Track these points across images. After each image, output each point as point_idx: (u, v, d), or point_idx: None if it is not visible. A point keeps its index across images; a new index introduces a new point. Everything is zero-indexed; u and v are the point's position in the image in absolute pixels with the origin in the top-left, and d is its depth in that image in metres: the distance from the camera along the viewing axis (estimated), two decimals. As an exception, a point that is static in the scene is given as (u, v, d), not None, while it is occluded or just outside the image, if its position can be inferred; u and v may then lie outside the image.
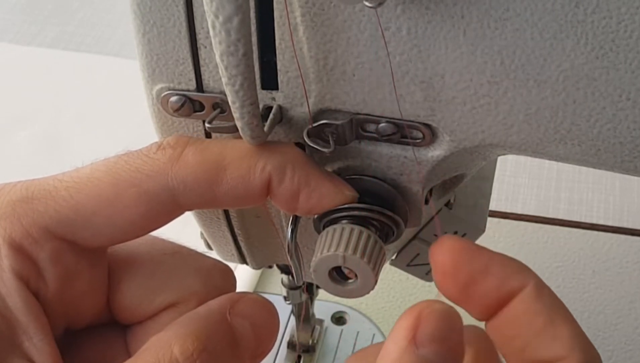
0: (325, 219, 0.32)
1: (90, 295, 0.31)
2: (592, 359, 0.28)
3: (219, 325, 0.30)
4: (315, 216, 0.32)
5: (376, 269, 0.31)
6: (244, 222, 0.38)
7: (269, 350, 0.32)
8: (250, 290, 0.59)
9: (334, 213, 0.31)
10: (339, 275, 0.31)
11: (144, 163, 0.30)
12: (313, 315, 0.53)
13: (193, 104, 0.31)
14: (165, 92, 0.31)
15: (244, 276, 0.60)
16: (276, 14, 0.28)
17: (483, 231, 0.38)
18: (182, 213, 0.31)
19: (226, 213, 0.37)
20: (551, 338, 0.28)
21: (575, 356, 0.27)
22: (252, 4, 0.28)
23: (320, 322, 0.56)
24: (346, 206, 0.31)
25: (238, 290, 0.59)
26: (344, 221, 0.31)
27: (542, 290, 0.28)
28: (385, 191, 0.32)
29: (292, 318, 0.53)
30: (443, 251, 0.29)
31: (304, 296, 0.48)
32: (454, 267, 0.29)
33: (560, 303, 0.28)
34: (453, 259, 0.29)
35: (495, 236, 0.62)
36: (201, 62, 0.30)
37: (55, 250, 0.29)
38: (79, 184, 0.29)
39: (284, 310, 0.57)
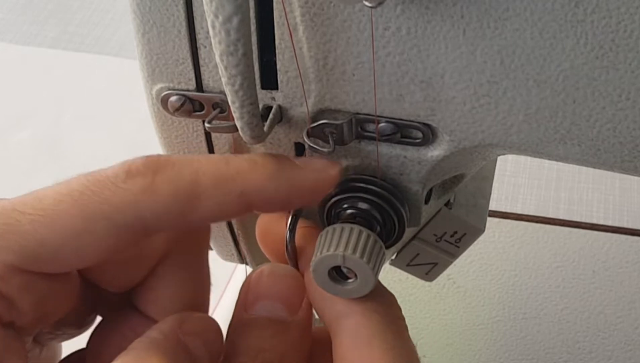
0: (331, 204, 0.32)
1: (65, 304, 0.31)
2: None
3: (177, 347, 0.30)
4: (319, 203, 0.33)
5: (376, 269, 0.31)
6: (244, 222, 0.38)
7: None
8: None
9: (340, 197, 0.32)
10: (338, 275, 0.31)
11: (113, 194, 0.29)
12: (312, 315, 0.52)
13: (193, 104, 0.31)
14: (165, 92, 0.31)
15: (243, 276, 0.60)
16: (276, 13, 0.28)
17: (483, 231, 0.38)
18: (149, 237, 0.31)
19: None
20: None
21: None
22: (251, 3, 0.28)
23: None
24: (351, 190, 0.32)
25: (236, 290, 0.59)
26: (348, 209, 0.32)
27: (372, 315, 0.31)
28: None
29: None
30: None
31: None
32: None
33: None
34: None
35: (495, 236, 0.62)
36: (201, 62, 0.30)
37: (23, 282, 0.28)
38: (44, 218, 0.28)
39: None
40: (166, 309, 0.32)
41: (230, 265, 0.60)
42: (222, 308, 0.58)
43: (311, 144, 0.30)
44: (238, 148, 0.33)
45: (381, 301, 0.32)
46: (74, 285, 0.31)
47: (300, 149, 0.32)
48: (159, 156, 0.30)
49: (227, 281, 0.60)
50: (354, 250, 0.30)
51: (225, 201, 0.29)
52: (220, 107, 0.31)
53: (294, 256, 0.33)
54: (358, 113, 0.30)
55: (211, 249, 0.42)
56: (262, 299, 0.32)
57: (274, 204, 0.30)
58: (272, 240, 0.35)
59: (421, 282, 0.42)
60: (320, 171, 0.31)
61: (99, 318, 0.35)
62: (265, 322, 0.32)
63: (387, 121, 0.30)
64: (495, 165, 0.41)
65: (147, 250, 0.32)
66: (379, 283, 0.32)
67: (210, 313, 0.57)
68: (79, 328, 0.33)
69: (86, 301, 0.32)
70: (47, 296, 0.29)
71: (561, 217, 0.66)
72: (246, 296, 0.32)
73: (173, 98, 0.31)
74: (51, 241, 0.28)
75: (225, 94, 0.27)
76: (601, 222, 0.65)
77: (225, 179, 0.30)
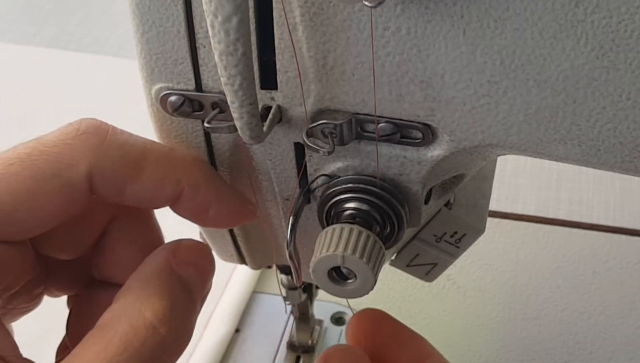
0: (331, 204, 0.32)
1: (21, 274, 0.31)
2: None
3: (173, 278, 0.31)
4: (319, 201, 0.33)
5: (375, 269, 0.31)
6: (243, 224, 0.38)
7: (210, 289, 0.33)
8: (249, 290, 0.59)
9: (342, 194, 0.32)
10: (338, 275, 0.31)
11: (62, 151, 0.29)
12: (312, 315, 0.53)
13: (192, 104, 0.31)
14: (164, 92, 0.31)
15: (243, 276, 0.60)
16: (275, 13, 0.28)
17: (483, 231, 0.38)
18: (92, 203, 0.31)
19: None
20: None
21: None
22: (251, 3, 0.27)
23: (320, 322, 0.56)
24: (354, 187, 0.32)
25: (236, 290, 0.59)
26: (348, 209, 0.32)
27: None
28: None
29: (292, 319, 0.53)
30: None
31: (303, 296, 0.48)
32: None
33: None
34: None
35: (495, 236, 0.62)
36: (200, 62, 0.30)
37: None
38: None
39: (284, 310, 0.57)
40: (126, 269, 0.32)
41: (230, 265, 0.60)
42: (221, 308, 0.58)
43: (311, 144, 0.30)
44: (238, 148, 0.33)
45: None
46: (28, 255, 0.31)
47: (300, 149, 0.32)
48: (110, 124, 0.31)
49: (227, 280, 0.60)
50: (354, 251, 0.30)
51: (162, 182, 0.31)
52: (220, 107, 0.31)
53: (295, 256, 0.33)
54: (358, 113, 0.30)
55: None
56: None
57: (198, 204, 0.32)
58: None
59: (421, 282, 0.42)
60: (243, 199, 0.34)
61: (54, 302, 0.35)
62: None
63: (386, 121, 0.30)
64: (495, 165, 0.41)
65: (94, 213, 0.32)
66: None
67: (209, 313, 0.57)
68: (29, 302, 0.33)
69: (38, 273, 0.32)
70: (4, 265, 0.29)
71: (561, 217, 0.66)
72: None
73: (172, 98, 0.31)
74: (4, 203, 0.28)
75: (224, 94, 0.27)
76: (601, 222, 0.65)
77: (168, 162, 0.31)
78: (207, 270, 0.33)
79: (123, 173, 0.30)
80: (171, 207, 0.33)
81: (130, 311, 0.29)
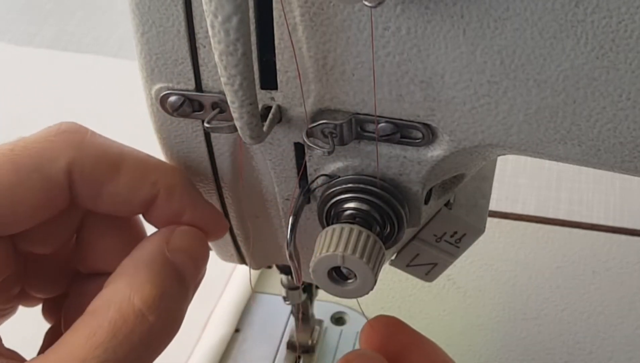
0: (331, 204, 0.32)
1: (0, 270, 0.31)
2: None
3: (165, 265, 0.31)
4: (319, 201, 0.33)
5: (375, 269, 0.31)
6: (243, 223, 0.38)
7: (204, 276, 0.33)
8: (249, 290, 0.59)
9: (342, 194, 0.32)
10: (338, 275, 0.31)
11: (43, 147, 0.30)
12: (312, 315, 0.53)
13: (192, 104, 0.31)
14: (164, 92, 0.31)
15: (243, 276, 0.60)
16: (275, 13, 0.28)
17: (483, 231, 0.38)
18: (71, 202, 0.31)
19: (225, 213, 0.37)
20: None
21: None
22: (251, 3, 0.27)
23: (320, 322, 0.56)
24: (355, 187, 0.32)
25: (235, 290, 0.59)
26: (348, 209, 0.32)
27: None
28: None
29: (292, 319, 0.53)
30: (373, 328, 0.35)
31: (303, 296, 0.48)
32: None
33: None
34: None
35: (495, 236, 0.62)
36: (200, 62, 0.30)
37: None
38: None
39: (284, 311, 0.57)
40: (110, 259, 0.32)
41: (229, 265, 0.60)
42: (221, 308, 0.58)
43: (311, 144, 0.30)
44: (238, 148, 0.33)
45: None
46: (6, 248, 0.31)
47: (300, 149, 0.32)
48: (89, 128, 0.32)
49: (226, 280, 0.60)
50: (354, 250, 0.30)
51: (139, 183, 0.31)
52: (220, 107, 0.31)
53: (295, 256, 0.33)
54: (358, 113, 0.30)
55: (210, 249, 0.42)
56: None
57: (173, 209, 0.32)
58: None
59: (421, 282, 0.42)
60: (218, 211, 0.34)
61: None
62: None
63: (387, 121, 0.30)
64: (495, 165, 0.41)
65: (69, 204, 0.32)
66: None
67: (208, 313, 0.57)
68: (6, 304, 0.33)
69: (15, 270, 0.32)
70: None
71: (561, 217, 0.66)
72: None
73: (172, 98, 0.31)
74: None
75: (224, 94, 0.27)
76: (601, 222, 0.65)
77: (145, 165, 0.32)
78: (201, 257, 0.33)
79: (101, 171, 0.31)
80: (145, 215, 0.33)
81: (119, 298, 0.29)
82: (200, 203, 0.33)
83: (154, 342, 0.29)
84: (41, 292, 0.35)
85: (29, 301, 0.35)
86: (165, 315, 0.29)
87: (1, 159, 0.29)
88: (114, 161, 0.31)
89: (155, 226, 0.33)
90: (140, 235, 0.35)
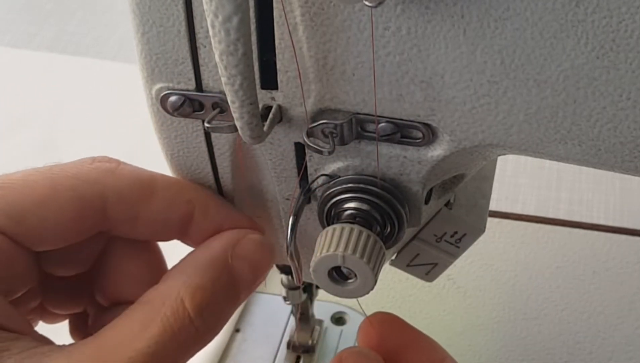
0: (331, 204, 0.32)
1: (25, 280, 0.32)
2: None
3: (223, 272, 0.32)
4: (320, 201, 0.33)
5: (376, 269, 0.31)
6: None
7: (259, 285, 0.34)
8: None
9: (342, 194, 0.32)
10: (338, 275, 0.31)
11: (80, 171, 0.31)
12: (313, 315, 0.52)
13: (192, 104, 0.31)
14: (165, 92, 0.31)
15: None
16: (276, 13, 0.28)
17: (483, 231, 0.38)
18: (103, 228, 0.32)
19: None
20: None
21: None
22: (251, 3, 0.27)
23: (320, 322, 0.56)
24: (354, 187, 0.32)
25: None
26: (348, 209, 0.32)
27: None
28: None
29: (292, 319, 0.53)
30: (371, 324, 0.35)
31: (303, 296, 0.48)
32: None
33: None
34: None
35: (495, 236, 0.62)
36: (200, 61, 0.30)
37: None
38: (14, 184, 0.30)
39: (284, 310, 0.57)
40: (131, 288, 0.33)
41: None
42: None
43: (311, 144, 0.30)
44: (238, 148, 0.33)
45: None
46: (33, 260, 0.32)
47: (300, 149, 0.32)
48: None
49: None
50: (354, 250, 0.30)
51: (174, 203, 0.32)
52: (220, 107, 0.31)
53: (296, 257, 0.33)
54: (358, 113, 0.30)
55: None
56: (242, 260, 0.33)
57: (210, 224, 0.33)
58: None
59: (421, 282, 0.42)
60: (251, 219, 0.35)
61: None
62: None
63: (387, 121, 0.30)
64: (495, 165, 0.41)
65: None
66: None
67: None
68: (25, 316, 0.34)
69: (37, 284, 0.33)
70: (13, 262, 0.30)
71: (561, 217, 0.66)
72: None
73: (173, 98, 0.31)
74: (18, 204, 0.29)
75: (225, 94, 0.27)
76: (601, 222, 0.65)
77: (177, 185, 0.33)
78: (261, 268, 0.33)
79: (137, 194, 0.32)
80: (183, 237, 0.34)
81: (174, 296, 0.30)
82: (235, 215, 0.34)
83: (196, 343, 0.30)
84: (58, 308, 0.36)
85: (48, 317, 0.36)
86: (211, 321, 0.30)
87: (39, 175, 0.30)
88: (148, 184, 0.32)
89: (195, 246, 0.34)
90: (161, 264, 0.35)
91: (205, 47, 0.30)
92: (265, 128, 0.29)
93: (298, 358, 0.54)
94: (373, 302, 0.58)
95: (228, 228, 0.33)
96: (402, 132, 0.30)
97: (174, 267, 0.32)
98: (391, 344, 0.35)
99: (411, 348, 0.35)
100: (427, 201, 0.34)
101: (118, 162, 0.32)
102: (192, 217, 0.33)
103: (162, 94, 0.31)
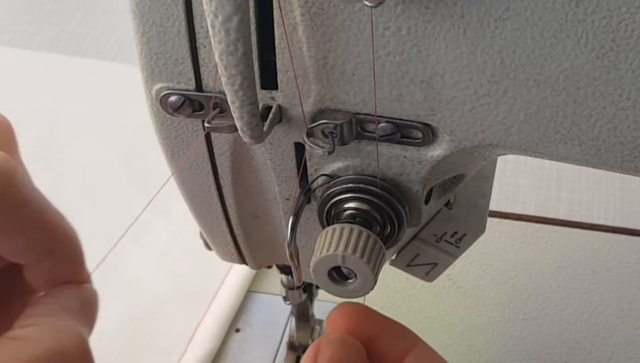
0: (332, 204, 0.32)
1: None
2: None
3: None
4: (320, 201, 0.33)
5: (376, 269, 0.31)
6: (243, 222, 0.38)
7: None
8: (244, 290, 0.59)
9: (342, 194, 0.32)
10: (338, 275, 0.31)
11: None
12: (312, 315, 0.52)
13: (192, 104, 0.31)
14: (165, 92, 0.31)
15: (239, 275, 0.60)
16: (275, 13, 0.28)
17: (483, 231, 0.38)
18: None
19: (225, 213, 0.37)
20: None
21: None
22: (251, 3, 0.27)
23: (320, 322, 0.56)
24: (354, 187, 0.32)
25: (232, 290, 0.59)
26: (348, 209, 0.32)
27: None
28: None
29: (292, 319, 0.53)
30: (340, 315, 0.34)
31: (303, 296, 0.48)
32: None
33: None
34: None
35: (495, 236, 0.62)
36: (200, 61, 0.30)
37: None
38: None
39: (284, 310, 0.57)
40: None
41: (227, 265, 0.60)
42: (217, 305, 0.58)
43: (311, 144, 0.30)
44: (238, 148, 0.33)
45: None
46: None
47: (300, 149, 0.32)
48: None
49: (222, 280, 0.60)
50: (354, 250, 0.30)
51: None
52: (220, 107, 0.31)
53: (296, 257, 0.33)
54: (358, 113, 0.30)
55: (210, 249, 0.42)
56: None
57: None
58: None
59: (421, 282, 0.42)
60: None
61: None
62: None
63: (387, 121, 0.30)
64: (495, 165, 0.41)
65: None
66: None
67: (203, 312, 0.57)
68: None
69: None
70: None
71: (561, 217, 0.66)
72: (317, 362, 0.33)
73: (173, 98, 0.31)
74: None
75: (225, 94, 0.27)
76: (601, 222, 0.65)
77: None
78: None
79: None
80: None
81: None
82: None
83: None
84: None
85: None
86: None
87: None
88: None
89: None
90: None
91: (205, 47, 0.30)
92: (265, 128, 0.29)
93: (298, 358, 0.54)
94: (373, 302, 0.58)
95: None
96: (402, 132, 0.30)
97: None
98: (361, 334, 0.35)
99: (382, 336, 0.34)
100: (427, 201, 0.34)
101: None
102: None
103: (162, 94, 0.31)
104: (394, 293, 0.60)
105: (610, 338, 0.56)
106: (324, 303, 0.56)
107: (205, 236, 0.40)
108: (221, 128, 0.30)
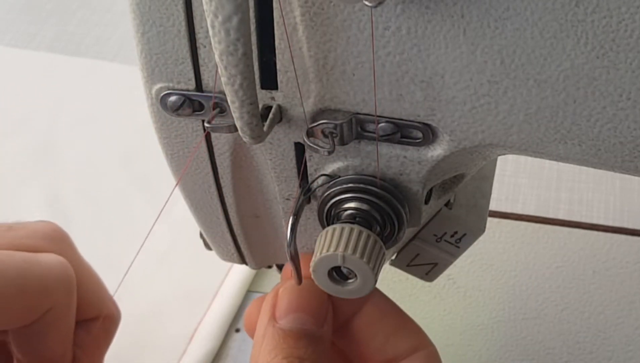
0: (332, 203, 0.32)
1: None
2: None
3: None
4: (320, 201, 0.33)
5: (376, 269, 0.31)
6: (244, 222, 0.38)
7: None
8: (244, 290, 0.59)
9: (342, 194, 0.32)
10: (338, 275, 0.31)
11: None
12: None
13: (192, 104, 0.31)
14: (165, 92, 0.31)
15: (239, 275, 0.60)
16: (275, 13, 0.28)
17: (483, 231, 0.38)
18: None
19: (225, 213, 0.37)
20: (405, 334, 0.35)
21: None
22: (251, 3, 0.27)
23: (320, 322, 0.56)
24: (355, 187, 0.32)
25: (232, 290, 0.59)
26: (348, 209, 0.32)
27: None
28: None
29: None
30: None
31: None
32: None
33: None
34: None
35: (495, 236, 0.62)
36: (200, 61, 0.30)
37: None
38: None
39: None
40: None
41: (226, 265, 0.60)
42: (218, 304, 0.58)
43: (311, 144, 0.30)
44: (238, 148, 0.33)
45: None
46: None
47: (300, 149, 0.32)
48: None
49: (222, 280, 0.60)
50: (354, 250, 0.30)
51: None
52: (220, 107, 0.31)
53: (296, 257, 0.33)
54: (358, 113, 0.30)
55: (210, 249, 0.42)
56: (292, 312, 0.34)
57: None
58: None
59: (421, 282, 0.42)
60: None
61: None
62: (300, 333, 0.33)
63: (387, 121, 0.30)
64: (495, 165, 0.41)
65: None
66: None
67: (207, 306, 0.57)
68: None
69: None
70: None
71: (561, 217, 0.66)
72: (275, 309, 0.34)
73: (173, 98, 0.31)
74: None
75: (225, 94, 0.27)
76: (601, 222, 0.65)
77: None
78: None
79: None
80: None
81: None
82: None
83: None
84: None
85: None
86: None
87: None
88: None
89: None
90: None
91: (205, 47, 0.30)
92: (265, 128, 0.29)
93: (298, 358, 0.54)
94: (373, 302, 0.58)
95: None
96: (402, 132, 0.30)
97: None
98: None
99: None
100: (427, 201, 0.34)
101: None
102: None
103: (162, 94, 0.31)
104: (394, 293, 0.59)
105: (610, 338, 0.56)
106: (324, 303, 0.56)
107: (205, 236, 0.40)
108: (221, 128, 0.30)
